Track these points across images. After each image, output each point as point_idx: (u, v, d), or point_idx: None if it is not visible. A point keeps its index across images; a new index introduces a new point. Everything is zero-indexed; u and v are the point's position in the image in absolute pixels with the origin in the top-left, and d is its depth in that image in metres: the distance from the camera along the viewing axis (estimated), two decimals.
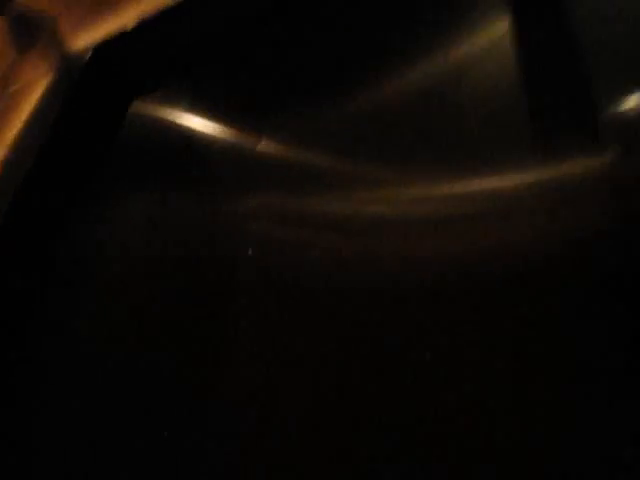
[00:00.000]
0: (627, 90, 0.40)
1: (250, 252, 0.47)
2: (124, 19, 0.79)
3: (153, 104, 0.81)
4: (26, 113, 0.82)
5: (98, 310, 0.67)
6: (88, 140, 0.81)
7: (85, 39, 0.85)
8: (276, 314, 0.53)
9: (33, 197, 0.75)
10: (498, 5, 0.57)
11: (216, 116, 0.73)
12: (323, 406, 0.46)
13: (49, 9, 0.96)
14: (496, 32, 0.56)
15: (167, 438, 0.51)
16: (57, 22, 0.92)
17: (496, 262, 0.44)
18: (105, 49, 0.81)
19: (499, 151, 0.49)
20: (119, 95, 0.83)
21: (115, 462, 0.53)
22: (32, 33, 0.95)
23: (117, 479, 0.53)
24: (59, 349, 0.67)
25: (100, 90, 0.83)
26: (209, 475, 0.48)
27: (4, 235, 0.71)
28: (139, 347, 0.60)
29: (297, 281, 0.53)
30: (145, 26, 0.76)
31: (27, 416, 0.63)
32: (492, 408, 0.39)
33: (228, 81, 0.77)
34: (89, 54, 0.81)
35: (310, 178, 0.60)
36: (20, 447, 0.60)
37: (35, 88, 0.84)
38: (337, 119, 0.62)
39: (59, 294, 0.72)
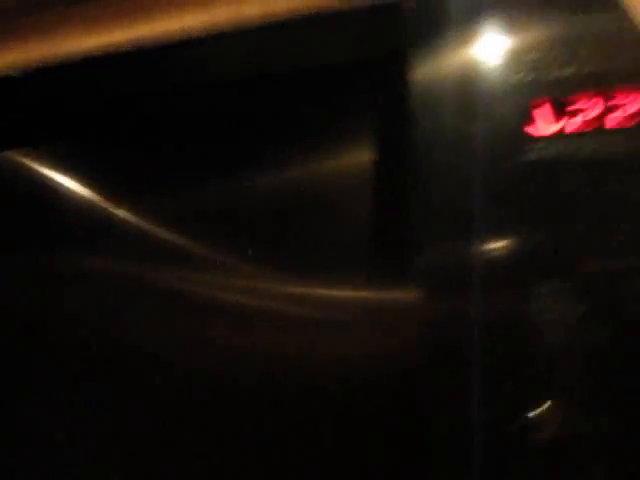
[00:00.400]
0: (449, 237, 0.44)
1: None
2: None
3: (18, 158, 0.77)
4: None
5: None
6: None
7: None
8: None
9: None
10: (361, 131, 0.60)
11: (81, 178, 0.71)
12: None
13: None
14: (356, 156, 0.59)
15: None
16: None
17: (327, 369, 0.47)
18: None
19: (345, 265, 0.52)
20: None
21: None
22: None
23: None
24: None
25: None
26: None
27: None
28: None
29: (137, 363, 0.55)
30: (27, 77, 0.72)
31: None
32: None
33: (101, 146, 0.74)
34: None
35: (167, 254, 0.61)
36: None
37: None
38: (206, 202, 0.63)
39: None
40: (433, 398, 0.38)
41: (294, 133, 0.64)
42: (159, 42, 0.69)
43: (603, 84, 0.47)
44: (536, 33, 0.53)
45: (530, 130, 0.48)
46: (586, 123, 0.48)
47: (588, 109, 0.47)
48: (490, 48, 0.54)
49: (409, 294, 0.42)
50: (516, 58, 0.51)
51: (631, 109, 0.47)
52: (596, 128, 0.46)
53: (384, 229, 0.53)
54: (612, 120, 0.47)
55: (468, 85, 0.51)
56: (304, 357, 0.49)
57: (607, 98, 0.48)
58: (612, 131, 0.46)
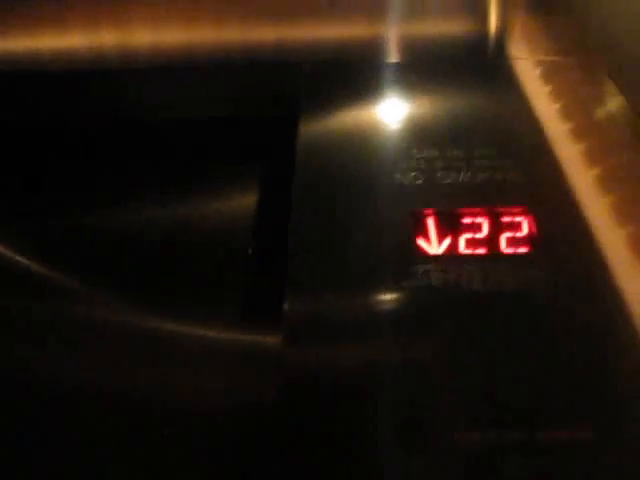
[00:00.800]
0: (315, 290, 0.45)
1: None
2: None
3: None
4: None
5: None
6: None
7: None
8: None
9: None
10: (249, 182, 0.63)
11: None
12: None
13: None
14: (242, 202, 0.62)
15: None
16: None
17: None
18: None
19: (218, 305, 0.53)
20: None
21: None
22: None
23: None
24: None
25: None
26: None
27: None
28: None
29: None
30: None
31: None
32: None
33: None
34: None
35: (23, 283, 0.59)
36: None
37: None
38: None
39: None
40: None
41: (185, 173, 0.64)
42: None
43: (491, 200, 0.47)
44: (435, 112, 0.56)
45: (419, 242, 0.46)
46: (479, 242, 0.46)
47: (479, 226, 0.46)
48: (385, 122, 0.55)
49: (278, 338, 0.42)
50: (410, 140, 0.53)
51: (521, 233, 0.46)
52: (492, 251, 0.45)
53: (260, 274, 0.54)
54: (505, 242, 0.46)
55: (356, 156, 0.52)
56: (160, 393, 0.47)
57: (495, 216, 0.47)
58: (505, 256, 0.45)
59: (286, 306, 0.43)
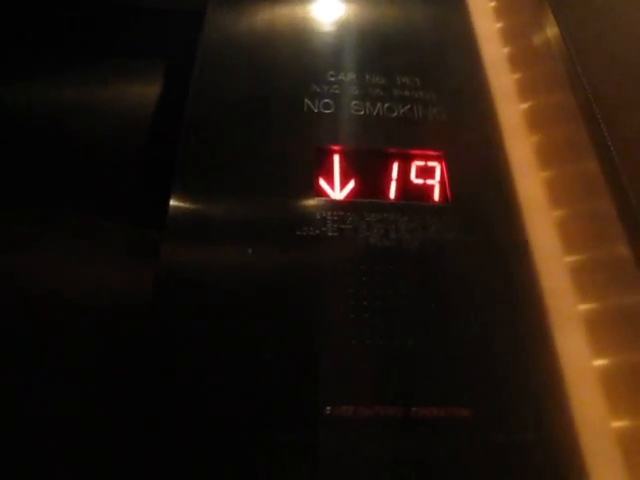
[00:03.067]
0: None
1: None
2: None
3: None
4: None
5: None
6: None
7: None
8: None
9: None
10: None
11: None
12: None
13: None
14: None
15: None
16: None
17: None
18: None
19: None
20: None
21: None
22: None
23: None
24: None
25: None
26: None
27: None
28: None
29: None
30: None
31: None
32: None
33: None
34: None
35: None
36: None
37: None
38: None
39: None
40: None
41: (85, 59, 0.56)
42: None
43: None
44: (360, 27, 0.49)
45: (321, 183, 0.41)
46: (385, 189, 0.42)
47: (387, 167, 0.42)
48: (302, 33, 0.48)
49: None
50: (327, 59, 0.46)
51: (433, 180, 0.42)
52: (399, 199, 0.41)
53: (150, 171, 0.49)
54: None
55: (261, 69, 0.46)
56: None
57: (407, 159, 0.43)
58: (413, 207, 0.41)
59: (172, 202, 0.38)
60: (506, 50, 0.56)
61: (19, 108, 0.55)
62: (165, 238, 0.38)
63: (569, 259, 0.44)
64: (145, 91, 0.56)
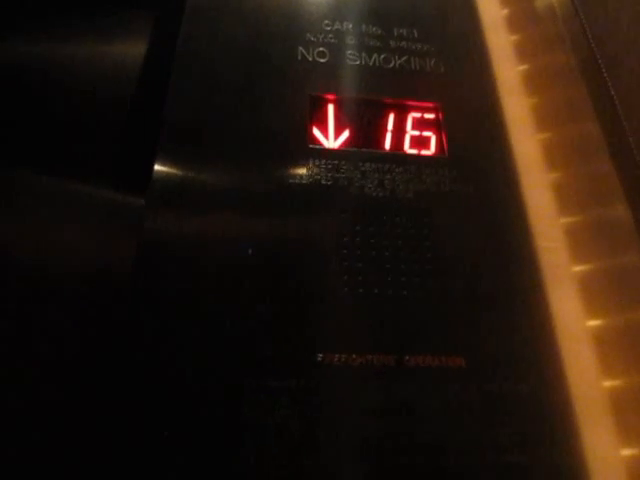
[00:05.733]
0: None
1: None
2: None
3: None
4: None
5: None
6: None
7: None
8: None
9: None
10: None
11: None
12: None
13: None
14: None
15: None
16: None
17: None
18: None
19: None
20: None
21: None
22: None
23: None
24: None
25: None
26: None
27: None
28: None
29: None
30: None
31: None
32: None
33: None
34: None
35: None
36: None
37: None
38: None
39: None
40: None
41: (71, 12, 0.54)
42: None
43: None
44: None
45: (314, 131, 0.40)
46: (381, 139, 0.40)
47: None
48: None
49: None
50: (322, 8, 0.44)
51: (429, 132, 0.41)
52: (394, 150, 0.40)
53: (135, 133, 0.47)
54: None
55: (254, 17, 0.43)
56: None
57: (403, 110, 0.41)
58: (408, 158, 0.40)
59: (156, 167, 0.37)
60: (505, 11, 0.55)
61: None
62: (149, 203, 0.36)
63: (564, 220, 0.44)
64: (129, 48, 0.54)
